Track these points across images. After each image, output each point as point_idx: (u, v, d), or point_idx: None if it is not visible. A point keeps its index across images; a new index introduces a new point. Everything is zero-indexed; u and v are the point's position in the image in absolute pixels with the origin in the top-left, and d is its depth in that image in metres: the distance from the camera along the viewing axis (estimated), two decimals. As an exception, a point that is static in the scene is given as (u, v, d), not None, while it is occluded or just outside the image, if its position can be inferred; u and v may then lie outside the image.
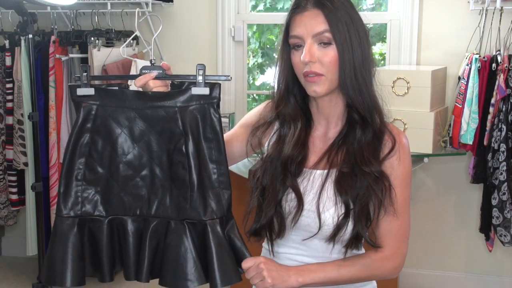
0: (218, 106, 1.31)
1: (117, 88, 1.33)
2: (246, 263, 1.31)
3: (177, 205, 1.29)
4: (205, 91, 1.29)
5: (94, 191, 1.32)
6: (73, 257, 1.28)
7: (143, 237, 1.31)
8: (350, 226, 1.33)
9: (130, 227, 1.31)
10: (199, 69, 1.30)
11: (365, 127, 1.36)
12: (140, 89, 1.36)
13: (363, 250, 1.43)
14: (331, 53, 1.31)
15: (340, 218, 1.33)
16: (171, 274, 1.27)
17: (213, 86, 1.30)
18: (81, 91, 1.31)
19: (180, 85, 1.34)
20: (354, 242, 1.35)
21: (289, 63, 1.37)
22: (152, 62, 1.37)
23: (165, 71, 1.35)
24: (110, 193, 1.32)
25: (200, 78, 1.29)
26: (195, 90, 1.29)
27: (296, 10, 1.33)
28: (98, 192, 1.32)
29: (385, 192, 1.34)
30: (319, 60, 1.31)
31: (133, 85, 1.38)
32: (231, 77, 1.34)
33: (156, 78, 1.34)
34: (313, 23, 1.30)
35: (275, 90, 1.43)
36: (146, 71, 1.34)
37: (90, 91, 1.31)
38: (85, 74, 1.31)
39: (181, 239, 1.28)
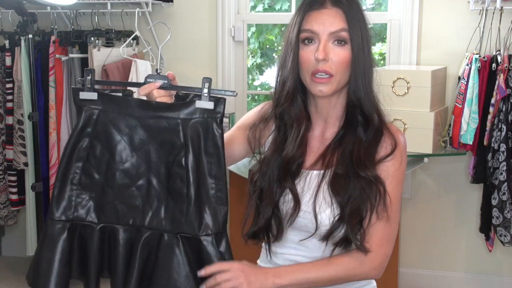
0: (221, 121, 1.29)
1: (120, 94, 1.32)
2: (221, 266, 1.27)
3: (172, 218, 1.28)
4: (210, 105, 1.28)
5: (89, 197, 1.30)
6: (59, 262, 1.26)
7: (134, 248, 1.29)
8: (344, 228, 1.32)
9: (122, 236, 1.29)
10: (204, 82, 1.28)
11: (367, 127, 1.36)
12: (144, 98, 1.34)
13: None
14: (345, 53, 1.31)
15: (335, 219, 1.32)
16: (163, 287, 1.26)
17: (218, 100, 1.29)
18: (84, 95, 1.29)
19: (185, 96, 1.33)
20: (343, 243, 1.34)
21: (299, 60, 1.35)
22: (158, 72, 1.34)
23: (170, 81, 1.33)
24: (104, 200, 1.30)
25: (205, 92, 1.28)
26: (199, 104, 1.28)
27: (313, 6, 1.33)
28: (93, 198, 1.30)
29: (379, 197, 1.32)
30: (331, 59, 1.31)
31: (137, 93, 1.37)
32: (236, 93, 1.33)
33: (161, 88, 1.32)
34: (332, 21, 1.31)
35: (280, 88, 1.39)
36: (151, 80, 1.32)
37: (93, 95, 1.29)
38: (89, 78, 1.29)
39: (174, 253, 1.26)
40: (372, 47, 1.39)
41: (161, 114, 1.29)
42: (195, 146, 1.27)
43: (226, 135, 1.47)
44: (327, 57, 1.30)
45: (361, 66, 1.32)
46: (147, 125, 1.29)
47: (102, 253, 1.31)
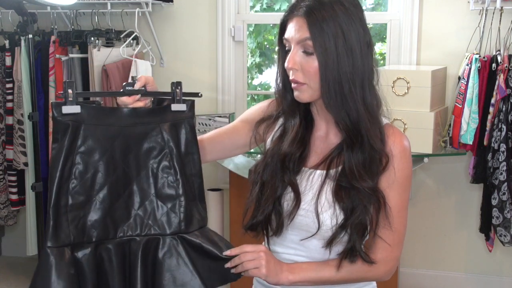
0: (193, 119, 1.37)
1: (94, 105, 1.30)
2: (247, 247, 1.31)
3: (166, 220, 1.30)
4: (183, 107, 1.35)
5: (81, 216, 1.24)
6: None
7: (133, 258, 1.28)
8: (346, 236, 1.33)
9: (117, 249, 1.27)
10: (176, 86, 1.35)
11: (353, 147, 1.32)
12: (122, 106, 1.36)
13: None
14: (314, 63, 1.28)
15: (338, 225, 1.32)
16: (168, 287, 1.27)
17: (189, 102, 1.36)
18: (66, 109, 1.23)
19: (161, 101, 1.38)
20: (349, 254, 1.34)
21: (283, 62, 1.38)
22: (135, 79, 1.36)
23: (146, 87, 1.35)
24: (97, 218, 1.26)
25: (178, 95, 1.35)
26: (175, 107, 1.34)
27: (289, 14, 1.33)
28: (84, 217, 1.25)
29: (380, 208, 1.32)
30: (302, 68, 1.30)
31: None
32: (201, 94, 1.42)
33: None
34: (297, 30, 1.29)
35: (276, 88, 1.44)
36: (130, 88, 1.34)
37: (76, 108, 1.24)
38: (70, 91, 1.23)
39: (175, 253, 1.28)
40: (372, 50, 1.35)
41: (141, 120, 1.31)
42: (176, 147, 1.32)
43: (229, 125, 1.52)
44: (296, 66, 1.30)
45: (332, 78, 1.27)
46: (129, 133, 1.29)
47: (100, 272, 1.27)
